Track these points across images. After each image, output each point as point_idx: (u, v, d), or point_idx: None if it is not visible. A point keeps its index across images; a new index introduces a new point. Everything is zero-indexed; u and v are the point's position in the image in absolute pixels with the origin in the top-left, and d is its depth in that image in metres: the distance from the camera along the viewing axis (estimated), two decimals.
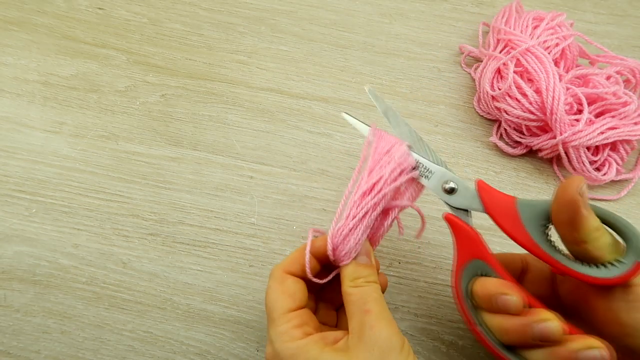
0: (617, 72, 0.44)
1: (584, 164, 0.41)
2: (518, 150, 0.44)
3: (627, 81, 0.45)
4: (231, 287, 0.38)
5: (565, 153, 0.41)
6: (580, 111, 0.42)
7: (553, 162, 0.44)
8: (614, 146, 0.42)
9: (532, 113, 0.41)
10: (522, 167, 0.44)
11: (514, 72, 0.42)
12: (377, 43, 0.50)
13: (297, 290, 0.30)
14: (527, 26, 0.45)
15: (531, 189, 0.43)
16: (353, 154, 0.44)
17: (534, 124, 0.42)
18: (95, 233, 0.40)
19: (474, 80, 0.48)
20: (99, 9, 0.50)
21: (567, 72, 0.44)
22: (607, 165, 0.43)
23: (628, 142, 0.43)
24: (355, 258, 0.30)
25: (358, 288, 0.29)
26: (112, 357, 0.36)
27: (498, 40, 0.46)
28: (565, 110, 0.41)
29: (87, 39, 0.48)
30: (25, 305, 0.37)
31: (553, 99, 0.40)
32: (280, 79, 0.47)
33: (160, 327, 0.37)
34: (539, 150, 0.43)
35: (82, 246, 0.39)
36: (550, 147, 0.42)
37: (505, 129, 0.45)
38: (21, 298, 0.37)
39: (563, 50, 0.44)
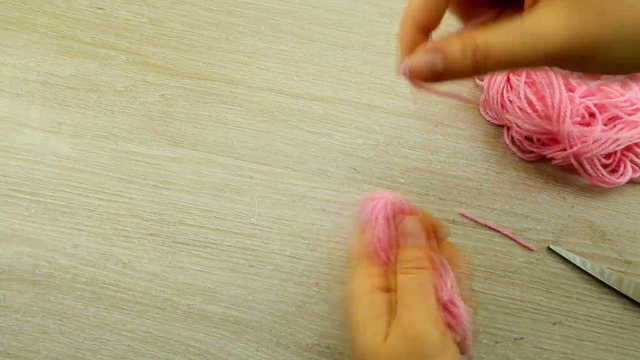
0: None
1: (598, 170, 0.41)
2: (530, 157, 0.44)
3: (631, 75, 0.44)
4: (231, 287, 0.38)
5: (579, 162, 0.41)
6: (592, 115, 0.41)
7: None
8: (627, 147, 0.42)
9: (542, 127, 0.41)
10: (522, 167, 0.44)
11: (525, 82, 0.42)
12: (377, 43, 0.50)
13: None
14: None
15: (531, 189, 0.43)
16: (353, 154, 0.44)
17: (545, 136, 0.42)
18: (95, 233, 0.39)
19: (474, 80, 0.48)
20: (99, 8, 0.50)
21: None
22: (622, 166, 0.42)
23: None
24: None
25: (402, 275, 0.27)
26: (112, 358, 0.36)
27: None
28: (577, 122, 0.40)
29: (87, 39, 0.48)
30: (24, 306, 0.37)
31: (559, 115, 0.40)
32: (280, 79, 0.47)
33: (160, 327, 0.37)
34: (552, 158, 0.43)
35: (81, 246, 0.39)
36: (562, 157, 0.42)
37: (512, 137, 0.45)
38: (21, 298, 0.37)
39: None
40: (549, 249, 0.40)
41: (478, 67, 0.22)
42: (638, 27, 0.20)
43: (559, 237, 0.41)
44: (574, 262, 0.39)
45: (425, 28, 0.25)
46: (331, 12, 0.51)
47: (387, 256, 0.29)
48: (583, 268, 0.39)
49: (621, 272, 0.39)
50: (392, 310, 0.27)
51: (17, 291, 0.37)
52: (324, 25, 0.50)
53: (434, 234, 0.30)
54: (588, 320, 0.38)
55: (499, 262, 0.40)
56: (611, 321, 0.38)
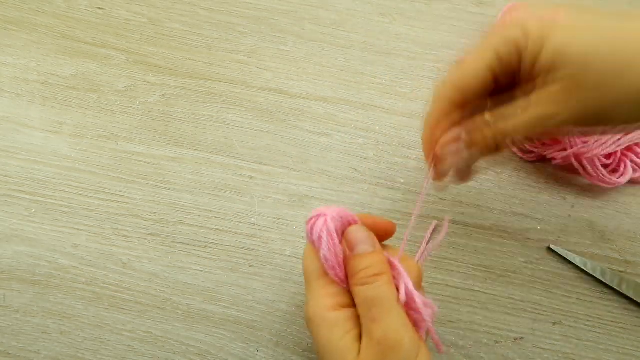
0: None
1: (598, 170, 0.41)
2: (530, 157, 0.44)
3: None
4: (231, 287, 0.38)
5: (579, 162, 0.41)
6: None
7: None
8: (627, 147, 0.42)
9: None
10: (522, 167, 0.44)
11: None
12: (377, 43, 0.50)
13: None
14: None
15: (531, 189, 0.43)
16: (353, 154, 0.44)
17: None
18: (95, 233, 0.39)
19: None
20: (99, 8, 0.50)
21: None
22: (622, 165, 0.42)
23: None
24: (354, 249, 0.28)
25: (360, 286, 0.26)
26: (112, 358, 0.36)
27: None
28: None
29: (87, 39, 0.48)
30: (24, 306, 0.37)
31: None
32: (280, 79, 0.47)
33: (160, 327, 0.37)
34: (552, 158, 0.43)
35: (81, 246, 0.39)
36: (562, 158, 0.41)
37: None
38: (21, 298, 0.37)
39: None
40: (549, 249, 0.40)
41: (494, 146, 0.27)
42: (633, 94, 0.23)
43: (559, 237, 0.41)
44: (574, 262, 0.39)
45: (441, 130, 0.29)
46: (331, 12, 0.51)
47: (337, 274, 0.27)
48: (583, 268, 0.39)
49: (621, 272, 0.39)
50: (357, 325, 0.26)
51: (17, 291, 0.37)
52: (324, 25, 0.50)
53: (384, 235, 0.30)
54: (588, 320, 0.38)
55: (499, 262, 0.40)
56: (611, 321, 0.38)
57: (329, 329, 0.26)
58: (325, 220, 0.27)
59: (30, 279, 0.38)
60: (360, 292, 0.26)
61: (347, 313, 0.26)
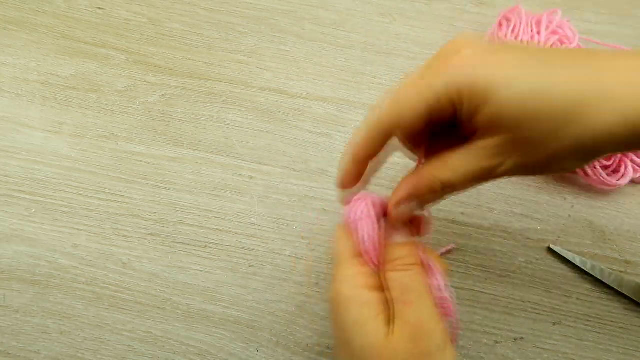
0: None
1: (598, 173, 0.41)
2: None
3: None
4: (231, 287, 0.38)
5: None
6: None
7: None
8: None
9: None
10: None
11: None
12: (377, 43, 0.50)
13: None
14: (532, 36, 0.45)
15: (531, 188, 0.43)
16: None
17: None
18: (95, 233, 0.39)
19: None
20: (99, 8, 0.50)
21: None
22: (622, 166, 0.42)
23: None
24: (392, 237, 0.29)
25: (396, 272, 0.27)
26: (112, 358, 0.36)
27: None
28: None
29: (87, 39, 0.48)
30: (24, 306, 0.37)
31: None
32: (280, 79, 0.47)
33: (160, 327, 0.37)
34: None
35: (81, 246, 0.39)
36: None
37: None
38: (21, 298, 0.37)
39: None
40: (549, 249, 0.40)
41: (445, 195, 0.27)
42: (568, 149, 0.24)
43: (559, 237, 0.41)
44: (574, 262, 0.39)
45: (366, 160, 0.29)
46: (331, 12, 0.51)
47: (372, 258, 0.28)
48: (583, 268, 0.39)
49: (621, 272, 0.39)
50: (387, 309, 0.26)
51: (17, 291, 0.37)
52: (324, 25, 0.50)
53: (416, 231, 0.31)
54: (588, 320, 0.38)
55: (499, 262, 0.40)
56: (611, 321, 0.38)
57: (360, 307, 0.26)
58: (367, 204, 0.29)
59: (30, 279, 0.38)
60: (396, 277, 0.27)
61: (379, 295, 0.27)
